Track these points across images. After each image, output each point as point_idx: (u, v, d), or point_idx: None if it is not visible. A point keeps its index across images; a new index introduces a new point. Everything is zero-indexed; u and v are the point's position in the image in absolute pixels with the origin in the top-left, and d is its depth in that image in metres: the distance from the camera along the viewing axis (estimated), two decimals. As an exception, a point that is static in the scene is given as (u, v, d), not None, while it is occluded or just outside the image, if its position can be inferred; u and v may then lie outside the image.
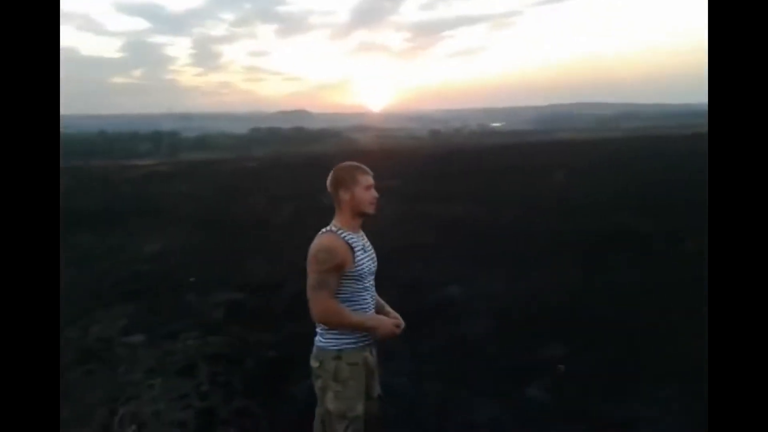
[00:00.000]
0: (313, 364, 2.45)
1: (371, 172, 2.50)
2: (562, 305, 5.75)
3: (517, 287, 6.45)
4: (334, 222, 2.46)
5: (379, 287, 2.60)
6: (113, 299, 6.37)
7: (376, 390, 2.60)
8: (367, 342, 2.45)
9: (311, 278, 2.34)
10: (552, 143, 34.71)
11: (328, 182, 2.48)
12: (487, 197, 13.58)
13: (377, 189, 2.50)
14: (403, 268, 7.52)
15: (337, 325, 2.39)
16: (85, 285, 7.06)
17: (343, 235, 2.41)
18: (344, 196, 2.44)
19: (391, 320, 2.47)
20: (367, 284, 2.47)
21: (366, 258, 2.45)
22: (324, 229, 2.45)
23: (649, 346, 4.50)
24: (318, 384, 2.43)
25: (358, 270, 2.40)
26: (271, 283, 6.85)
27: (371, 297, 2.50)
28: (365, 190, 2.45)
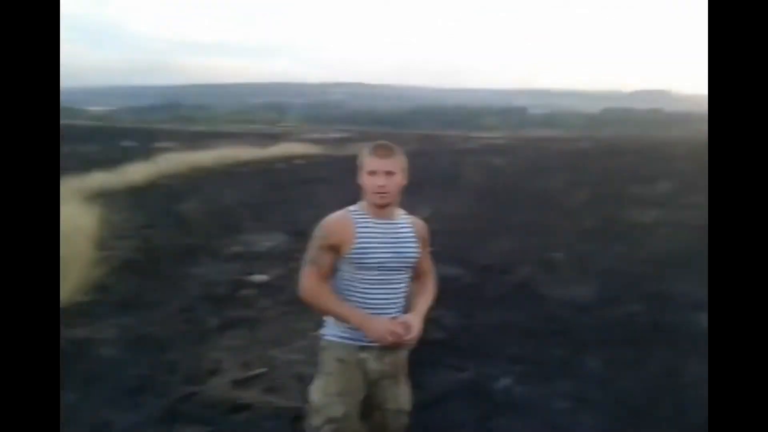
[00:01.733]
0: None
1: (384, 154, 2.11)
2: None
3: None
4: (361, 201, 2.19)
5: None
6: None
7: (394, 402, 2.24)
8: (364, 342, 2.12)
9: (307, 251, 2.15)
10: None
11: None
12: None
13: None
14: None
15: (318, 309, 2.17)
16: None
17: (356, 215, 2.15)
18: (359, 179, 2.16)
19: (388, 324, 2.08)
20: (375, 277, 2.13)
21: (376, 249, 2.11)
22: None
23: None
24: None
25: (358, 257, 2.10)
26: (499, 266, 6.50)
27: (383, 294, 2.14)
28: (368, 176, 2.11)
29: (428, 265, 2.37)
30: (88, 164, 13.93)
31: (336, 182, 13.32)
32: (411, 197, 9.46)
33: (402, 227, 2.20)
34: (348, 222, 2.12)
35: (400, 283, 2.20)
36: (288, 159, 19.12)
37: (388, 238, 2.15)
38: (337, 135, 38.68)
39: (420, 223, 2.30)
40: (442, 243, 7.42)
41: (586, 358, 4.15)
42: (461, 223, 9.03)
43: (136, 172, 12.84)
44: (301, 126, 66.96)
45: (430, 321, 4.65)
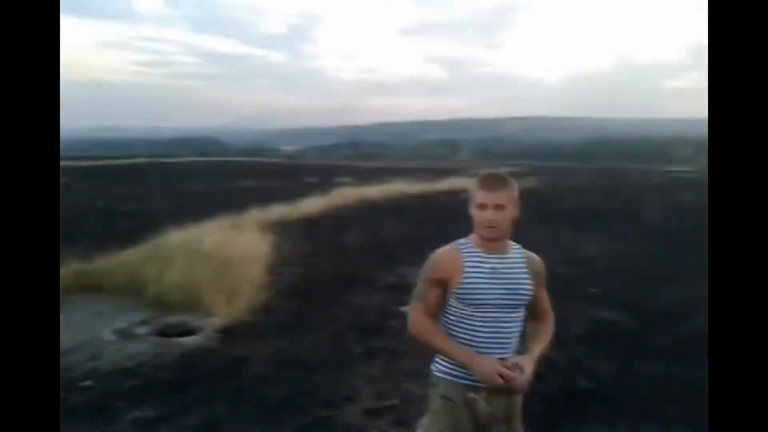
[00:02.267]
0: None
1: (493, 187, 1.99)
2: None
3: None
4: (472, 234, 2.09)
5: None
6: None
7: None
8: (474, 382, 1.99)
9: (417, 285, 2.11)
10: None
11: None
12: None
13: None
14: None
15: (424, 345, 2.08)
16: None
17: (464, 249, 2.05)
18: (470, 211, 2.06)
19: (497, 365, 1.92)
20: (484, 315, 2.00)
21: (485, 285, 1.98)
22: None
23: None
24: None
25: (465, 293, 1.99)
26: (672, 312, 5.80)
27: (493, 333, 2.01)
28: (477, 209, 2.01)
29: (546, 304, 2.20)
30: (272, 198, 15.38)
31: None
32: (578, 234, 9.13)
33: (514, 262, 2.07)
34: (456, 256, 2.04)
35: (513, 322, 2.06)
36: (454, 193, 19.26)
37: (499, 273, 2.03)
38: (507, 170, 38.17)
39: (535, 259, 2.14)
40: (606, 285, 6.95)
41: None
42: (633, 263, 8.30)
43: (311, 205, 13.86)
44: (472, 161, 67.31)
45: (579, 368, 4.34)
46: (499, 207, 1.99)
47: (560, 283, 7.20)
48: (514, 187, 2.05)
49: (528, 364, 1.99)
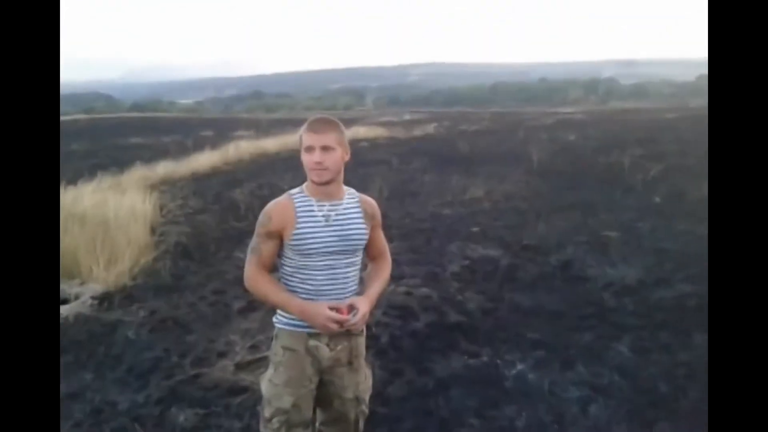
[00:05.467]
0: None
1: (320, 129, 1.98)
2: None
3: None
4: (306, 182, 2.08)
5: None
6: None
7: (351, 390, 2.14)
8: (312, 328, 2.02)
9: (252, 239, 2.07)
10: None
11: None
12: None
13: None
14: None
15: (260, 298, 2.12)
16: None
17: (298, 198, 2.04)
18: (301, 158, 2.05)
19: (327, 311, 1.96)
20: (319, 263, 2.01)
21: (318, 232, 1.99)
22: None
23: None
24: None
25: (299, 243, 1.98)
26: (544, 246, 6.17)
27: (329, 280, 2.03)
28: (305, 152, 2.00)
29: (382, 246, 2.24)
30: (161, 154, 14.64)
31: (394, 164, 13.24)
32: (468, 177, 9.35)
33: (348, 208, 2.09)
34: (288, 206, 2.02)
35: (349, 267, 2.08)
36: (354, 142, 19.20)
37: (332, 220, 2.03)
38: (410, 117, 38.48)
39: (369, 202, 2.17)
40: (486, 223, 7.26)
41: (614, 344, 3.85)
42: (513, 202, 8.69)
43: (203, 160, 13.33)
44: (376, 109, 67.19)
45: (453, 304, 4.55)
46: (326, 148, 1.98)
47: (444, 224, 7.45)
48: (343, 131, 2.05)
49: (363, 305, 2.03)
